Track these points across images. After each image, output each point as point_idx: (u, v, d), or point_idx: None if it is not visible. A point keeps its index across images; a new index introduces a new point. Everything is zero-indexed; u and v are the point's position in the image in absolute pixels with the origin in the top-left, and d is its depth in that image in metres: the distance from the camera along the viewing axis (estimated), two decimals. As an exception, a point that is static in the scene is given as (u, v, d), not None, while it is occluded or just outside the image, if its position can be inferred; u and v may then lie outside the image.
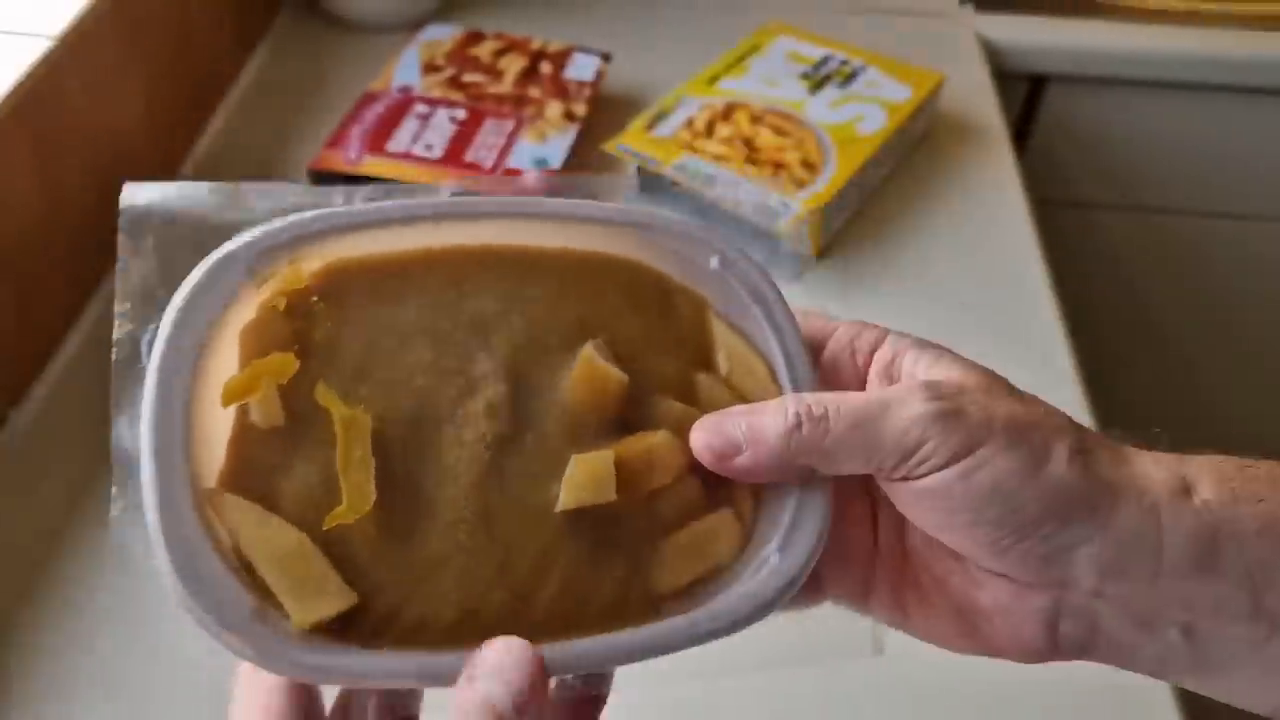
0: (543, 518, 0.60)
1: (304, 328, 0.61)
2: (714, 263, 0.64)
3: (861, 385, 0.53)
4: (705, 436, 0.52)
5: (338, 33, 1.13)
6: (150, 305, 0.60)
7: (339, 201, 0.64)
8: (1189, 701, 0.66)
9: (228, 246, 0.59)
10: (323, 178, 0.89)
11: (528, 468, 0.60)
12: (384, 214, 0.64)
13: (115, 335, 0.58)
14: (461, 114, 0.99)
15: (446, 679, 0.53)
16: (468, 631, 0.57)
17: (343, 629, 0.55)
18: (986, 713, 0.67)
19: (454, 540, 0.59)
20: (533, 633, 0.56)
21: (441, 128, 0.97)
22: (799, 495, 0.56)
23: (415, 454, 0.59)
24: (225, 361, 0.59)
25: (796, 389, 0.55)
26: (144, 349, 0.59)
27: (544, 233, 0.66)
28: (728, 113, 0.95)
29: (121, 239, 0.58)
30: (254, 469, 0.58)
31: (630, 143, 0.91)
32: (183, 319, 0.59)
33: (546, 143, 0.92)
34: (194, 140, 0.98)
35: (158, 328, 0.58)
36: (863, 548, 0.56)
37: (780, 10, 1.19)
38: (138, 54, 0.88)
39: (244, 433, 0.59)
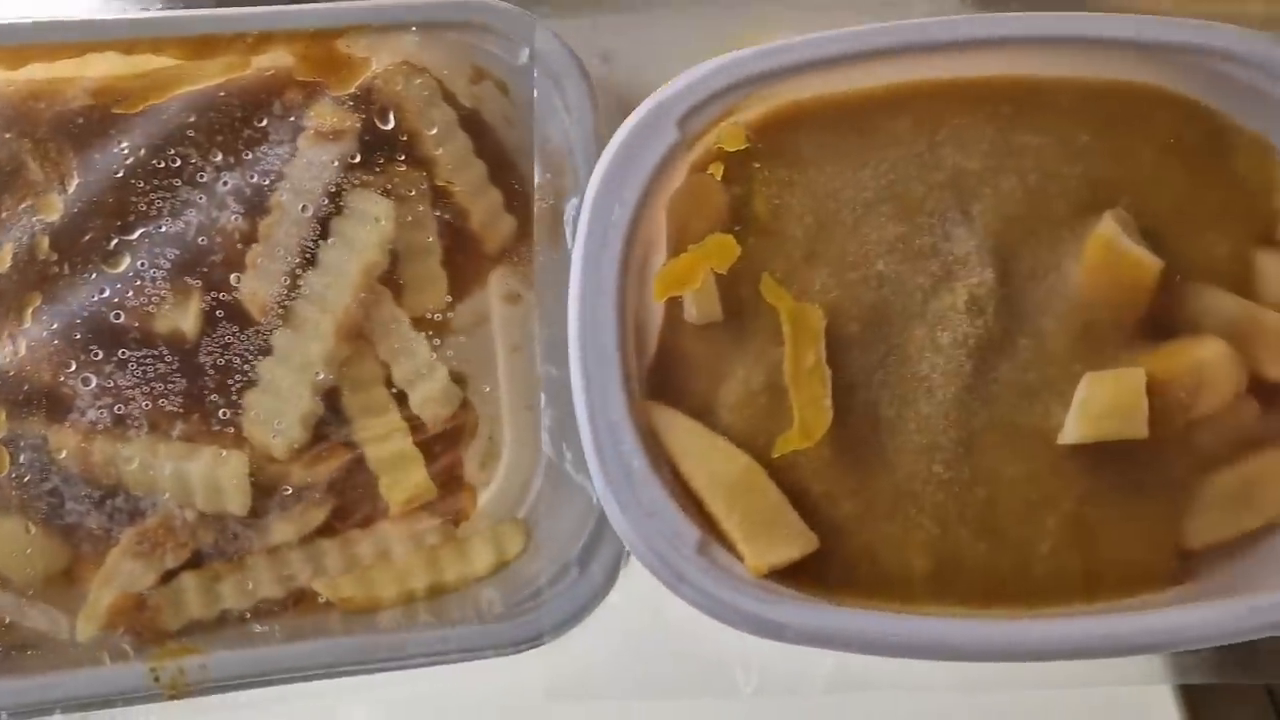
0: (1040, 448, 0.39)
1: (743, 195, 0.42)
2: None
3: None
4: None
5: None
6: (570, 174, 0.45)
7: (784, 36, 0.42)
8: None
9: (655, 98, 0.42)
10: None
11: (1021, 381, 0.39)
12: (839, 47, 0.41)
13: (536, 211, 0.45)
14: None
15: (928, 651, 0.37)
16: (945, 588, 0.39)
17: (794, 574, 0.40)
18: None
19: (927, 471, 0.39)
20: (1027, 593, 0.38)
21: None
22: None
23: (878, 360, 0.40)
24: (653, 233, 0.43)
25: None
26: (567, 227, 0.44)
27: (1049, 60, 0.40)
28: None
29: (538, 94, 0.45)
30: (689, 372, 0.42)
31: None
32: (609, 187, 0.42)
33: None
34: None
35: (581, 200, 0.43)
36: None
37: (780, 10, 0.99)
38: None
39: (676, 327, 0.43)
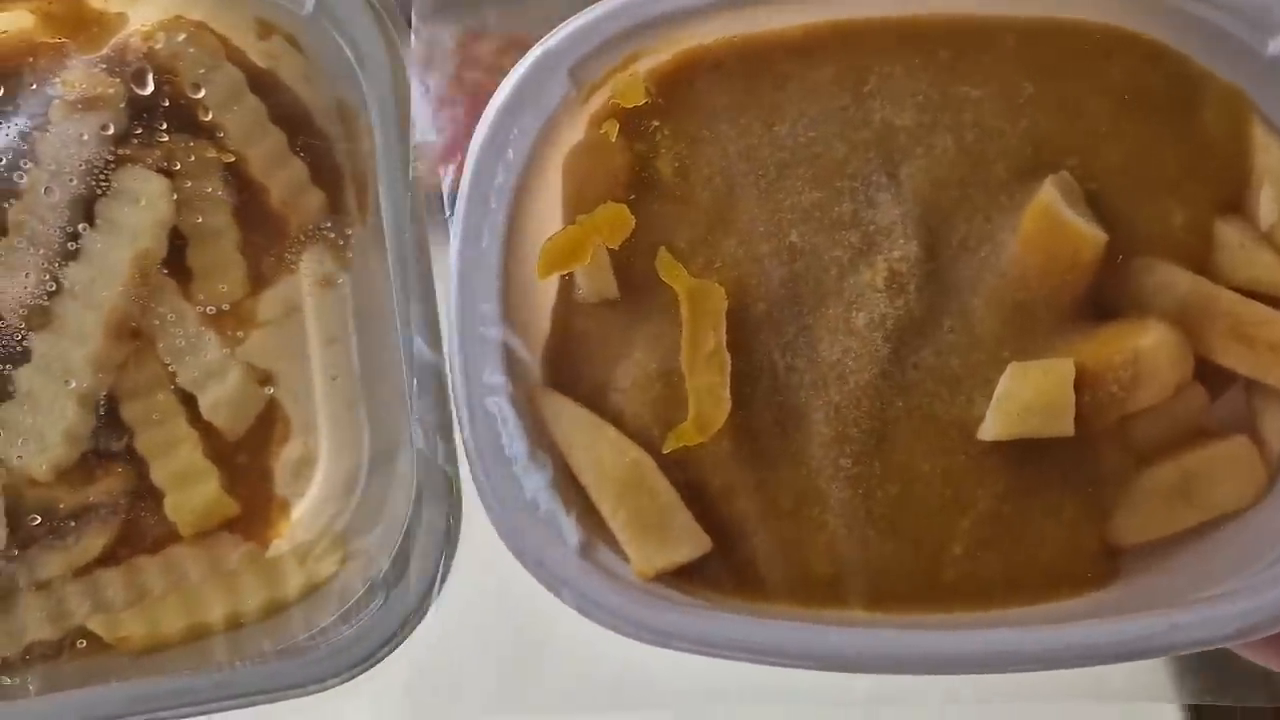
0: (959, 441, 0.35)
1: (646, 154, 0.38)
2: (1275, 45, 0.34)
3: None
4: None
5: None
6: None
7: None
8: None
9: (542, 46, 0.37)
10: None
11: (943, 368, 0.35)
12: None
13: (410, 175, 0.40)
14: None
15: (828, 661, 0.34)
16: (848, 590, 0.35)
17: (686, 575, 0.37)
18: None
19: (833, 466, 0.35)
20: (937, 597, 0.34)
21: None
22: None
23: (786, 344, 0.36)
24: (549, 194, 0.38)
25: None
26: (446, 194, 0.38)
27: None
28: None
29: (416, 45, 0.41)
30: (583, 355, 0.38)
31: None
32: (491, 148, 0.37)
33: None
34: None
35: (461, 163, 0.37)
36: None
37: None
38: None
39: (570, 305, 0.39)
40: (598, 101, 0.39)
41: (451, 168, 0.39)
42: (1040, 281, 0.35)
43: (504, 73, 0.35)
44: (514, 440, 0.37)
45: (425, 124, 0.40)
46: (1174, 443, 0.37)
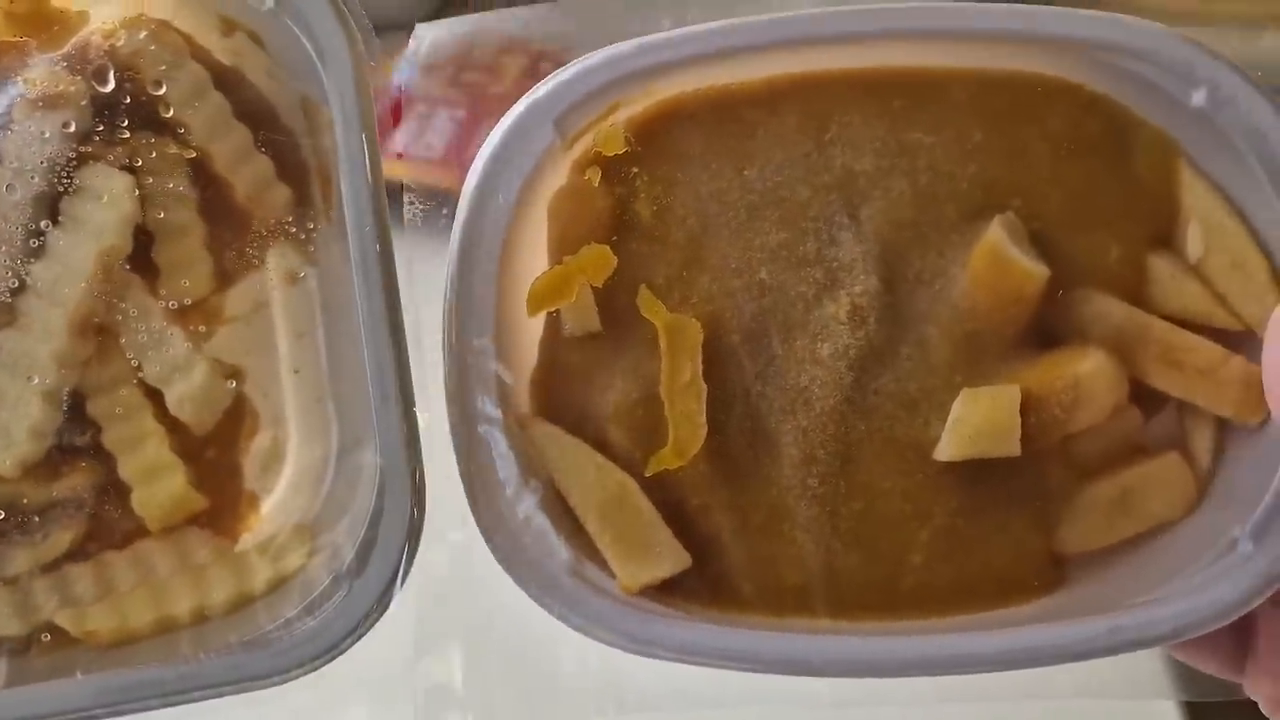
0: (917, 461, 0.38)
1: (625, 197, 0.40)
2: (1198, 97, 0.37)
3: None
4: None
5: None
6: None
7: (665, 26, 0.39)
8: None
9: (530, 97, 0.39)
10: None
11: (902, 393, 0.38)
12: (725, 40, 0.38)
13: (405, 216, 0.42)
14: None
15: (798, 666, 0.36)
16: (816, 599, 0.38)
17: (667, 589, 0.39)
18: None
19: (802, 485, 0.38)
20: (897, 605, 0.37)
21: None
22: None
23: (757, 373, 0.39)
24: (535, 235, 0.41)
25: None
26: (445, 211, 0.42)
27: (945, 52, 0.38)
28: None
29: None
30: (569, 384, 0.41)
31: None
32: (483, 194, 0.40)
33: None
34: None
35: (454, 207, 0.40)
36: None
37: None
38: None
39: (556, 340, 0.41)
40: (580, 149, 0.41)
41: (446, 210, 0.42)
42: (989, 313, 0.38)
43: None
44: (506, 466, 0.39)
45: (422, 124, 0.40)
46: (1112, 460, 0.40)
